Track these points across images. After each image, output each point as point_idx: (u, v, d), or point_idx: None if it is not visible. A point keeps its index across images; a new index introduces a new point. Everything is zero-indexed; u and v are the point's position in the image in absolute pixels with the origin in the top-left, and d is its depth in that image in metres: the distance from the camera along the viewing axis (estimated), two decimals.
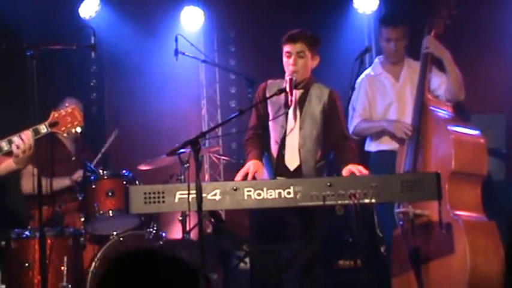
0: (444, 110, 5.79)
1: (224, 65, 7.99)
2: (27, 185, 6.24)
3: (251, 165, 4.98)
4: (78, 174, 6.23)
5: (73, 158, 6.62)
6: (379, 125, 6.14)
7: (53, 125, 4.76)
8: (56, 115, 4.78)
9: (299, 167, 5.15)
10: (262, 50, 7.63)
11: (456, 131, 5.60)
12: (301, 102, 5.19)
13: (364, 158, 6.32)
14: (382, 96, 6.22)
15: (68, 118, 4.79)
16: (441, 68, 6.01)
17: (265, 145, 5.26)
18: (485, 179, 5.61)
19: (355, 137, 6.16)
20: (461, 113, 5.98)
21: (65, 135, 4.96)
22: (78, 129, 4.86)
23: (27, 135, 4.69)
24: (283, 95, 5.15)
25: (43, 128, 4.75)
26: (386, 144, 6.12)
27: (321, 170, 5.21)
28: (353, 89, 5.63)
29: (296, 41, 5.15)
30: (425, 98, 5.80)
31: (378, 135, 6.19)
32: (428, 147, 5.65)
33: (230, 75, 8.21)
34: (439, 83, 6.00)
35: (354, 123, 6.17)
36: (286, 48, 5.17)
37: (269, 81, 5.31)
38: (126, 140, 8.02)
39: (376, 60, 6.42)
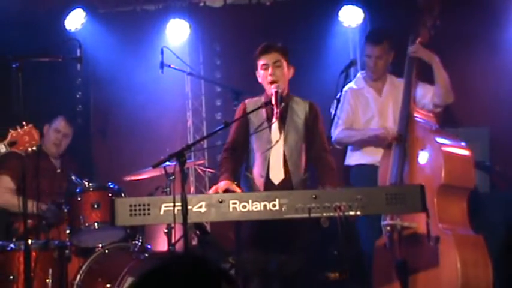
0: (429, 122, 5.81)
1: (210, 78, 8.01)
2: (1, 198, 6.28)
3: (222, 183, 5.00)
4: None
5: (58, 171, 6.63)
6: (363, 133, 6.14)
7: (11, 144, 4.82)
8: (14, 134, 4.87)
9: (284, 181, 5.17)
10: (247, 63, 7.64)
11: (445, 144, 5.60)
12: (283, 116, 5.22)
13: (345, 172, 6.35)
14: (364, 110, 6.25)
15: (26, 137, 4.89)
16: (423, 79, 6.04)
17: (244, 164, 5.30)
18: (471, 192, 5.63)
19: (337, 146, 6.19)
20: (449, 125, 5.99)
21: (24, 153, 5.01)
22: (33, 148, 4.99)
23: None
24: (263, 111, 5.20)
25: (2, 148, 4.83)
26: (367, 158, 6.14)
27: (307, 182, 5.24)
28: (338, 101, 5.67)
29: (270, 51, 5.22)
30: (411, 108, 5.81)
31: (359, 147, 6.20)
32: (415, 158, 5.66)
33: (216, 88, 8.22)
34: (423, 93, 6.01)
35: (337, 131, 6.16)
36: (262, 61, 5.22)
37: (247, 101, 5.37)
38: (112, 152, 8.04)
39: (359, 75, 6.45)
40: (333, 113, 6.01)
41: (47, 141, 6.57)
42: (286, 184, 5.16)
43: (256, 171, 5.25)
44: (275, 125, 5.21)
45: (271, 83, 5.16)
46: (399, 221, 5.50)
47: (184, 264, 2.00)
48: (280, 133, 5.20)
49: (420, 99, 6.02)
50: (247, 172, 5.30)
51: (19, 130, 4.89)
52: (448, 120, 6.20)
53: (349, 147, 6.36)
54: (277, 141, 5.17)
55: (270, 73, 5.17)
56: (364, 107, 6.26)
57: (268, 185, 5.16)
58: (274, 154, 5.20)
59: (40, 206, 5.99)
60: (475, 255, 5.35)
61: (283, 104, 5.18)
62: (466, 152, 5.68)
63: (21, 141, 4.87)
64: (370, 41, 6.26)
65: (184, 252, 1.98)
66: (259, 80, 5.27)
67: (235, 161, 5.29)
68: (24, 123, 4.89)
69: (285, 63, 5.23)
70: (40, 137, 5.05)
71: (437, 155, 5.54)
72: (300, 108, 5.29)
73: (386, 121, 6.10)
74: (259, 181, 5.22)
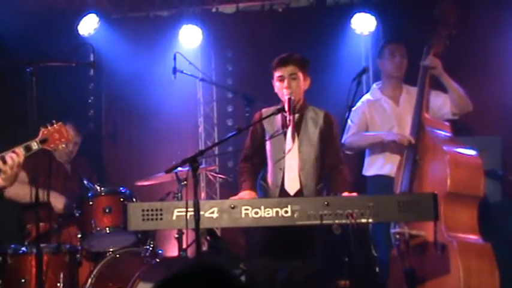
0: (442, 130, 5.81)
1: (221, 84, 8.01)
2: (13, 189, 6.21)
3: (245, 195, 5.03)
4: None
5: (69, 174, 6.64)
6: (377, 136, 6.15)
7: (43, 141, 4.85)
8: (45, 132, 4.90)
9: (299, 191, 5.17)
10: (259, 70, 7.66)
11: (452, 151, 5.60)
12: (297, 126, 5.24)
13: (360, 182, 6.33)
14: (382, 120, 6.24)
15: (56, 135, 4.93)
16: (439, 88, 6.06)
17: (260, 173, 5.31)
18: (481, 200, 5.62)
19: (348, 152, 6.18)
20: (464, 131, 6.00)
21: (54, 151, 5.04)
22: (64, 145, 5.07)
23: (19, 153, 4.75)
24: (279, 119, 5.21)
25: (34, 145, 4.84)
26: (384, 169, 6.14)
27: (321, 192, 5.23)
28: (350, 109, 5.65)
29: (287, 64, 5.21)
30: (423, 118, 5.83)
31: (376, 157, 6.18)
32: (425, 168, 5.66)
33: (227, 94, 8.23)
34: (441, 102, 6.07)
35: (349, 134, 6.18)
36: (278, 72, 5.22)
37: (263, 110, 5.36)
38: (123, 157, 8.05)
39: (374, 86, 6.48)
40: (349, 121, 6.03)
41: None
42: (299, 195, 5.15)
43: (271, 181, 5.26)
44: (289, 134, 5.22)
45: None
46: (407, 229, 5.50)
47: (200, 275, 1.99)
48: (293, 142, 5.21)
49: (439, 110, 6.07)
50: (262, 181, 5.31)
51: (49, 128, 4.93)
52: (460, 129, 6.19)
53: (366, 158, 6.35)
54: (290, 150, 5.18)
55: (285, 86, 5.17)
56: (383, 117, 6.27)
57: (283, 195, 5.14)
58: (288, 165, 5.21)
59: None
60: (480, 263, 5.34)
61: (297, 114, 5.20)
62: (474, 160, 5.66)
63: (52, 139, 4.91)
64: (395, 41, 6.39)
65: (201, 262, 1.93)
66: (275, 89, 5.28)
67: (254, 170, 5.32)
68: (54, 121, 4.94)
69: (301, 75, 5.23)
70: (69, 135, 5.10)
71: (444, 163, 5.53)
72: (315, 119, 5.29)
73: (405, 131, 6.05)
74: (274, 191, 5.23)
